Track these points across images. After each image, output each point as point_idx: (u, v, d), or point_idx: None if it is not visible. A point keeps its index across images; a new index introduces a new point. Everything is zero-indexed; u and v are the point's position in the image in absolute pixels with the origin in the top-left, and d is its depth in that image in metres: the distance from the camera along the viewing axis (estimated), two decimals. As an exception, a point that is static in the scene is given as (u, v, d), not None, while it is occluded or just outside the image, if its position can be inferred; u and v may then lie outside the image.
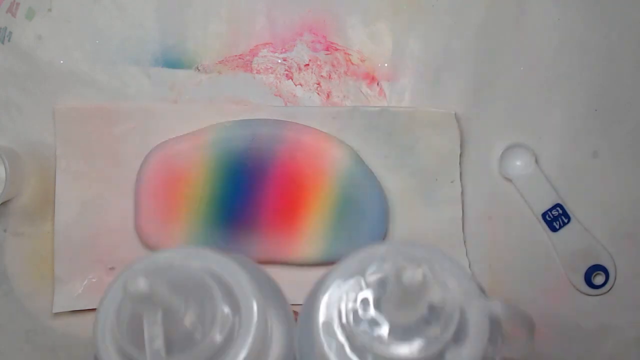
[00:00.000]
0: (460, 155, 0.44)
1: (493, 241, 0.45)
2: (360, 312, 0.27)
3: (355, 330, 0.27)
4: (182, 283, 0.27)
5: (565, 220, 0.44)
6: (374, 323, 0.27)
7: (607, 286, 0.44)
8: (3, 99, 0.44)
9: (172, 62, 0.44)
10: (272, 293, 0.32)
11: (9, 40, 0.43)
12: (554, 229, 0.44)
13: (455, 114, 0.43)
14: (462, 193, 0.44)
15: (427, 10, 0.44)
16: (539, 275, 0.45)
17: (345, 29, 0.44)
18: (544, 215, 0.44)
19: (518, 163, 0.44)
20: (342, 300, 0.27)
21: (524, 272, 0.45)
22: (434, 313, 0.27)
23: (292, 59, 0.44)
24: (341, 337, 0.27)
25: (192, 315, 0.26)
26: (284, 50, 0.44)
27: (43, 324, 0.44)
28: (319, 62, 0.44)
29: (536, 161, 0.44)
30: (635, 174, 0.44)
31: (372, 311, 0.27)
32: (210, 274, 0.27)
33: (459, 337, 0.27)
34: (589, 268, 0.44)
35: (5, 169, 0.41)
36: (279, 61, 0.44)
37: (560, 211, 0.44)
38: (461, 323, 0.27)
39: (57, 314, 0.44)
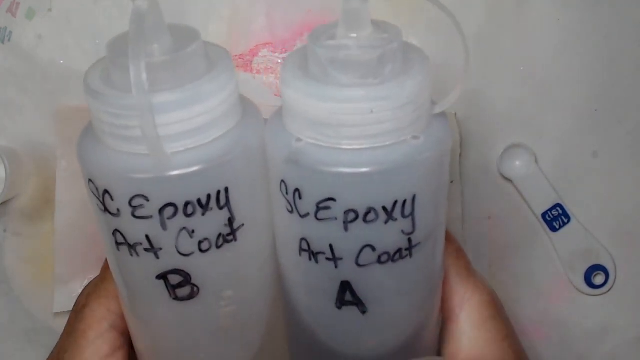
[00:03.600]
0: (460, 155, 0.44)
1: (493, 241, 0.45)
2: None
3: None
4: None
5: (565, 220, 0.44)
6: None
7: (607, 286, 0.44)
8: (3, 99, 0.44)
9: (172, 62, 0.44)
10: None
11: (9, 40, 0.43)
12: (554, 229, 0.44)
13: (456, 114, 0.43)
14: (462, 193, 0.44)
15: (427, 10, 0.44)
16: (539, 275, 0.45)
17: (345, 29, 0.44)
18: (544, 215, 0.44)
19: (518, 163, 0.44)
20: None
21: (524, 272, 0.45)
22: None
23: (292, 59, 0.44)
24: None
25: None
26: (284, 50, 0.44)
27: (43, 324, 0.44)
28: (319, 62, 0.44)
29: (536, 161, 0.44)
30: (635, 174, 0.44)
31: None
32: None
33: (403, 69, 0.29)
34: (589, 268, 0.44)
35: (5, 169, 0.41)
36: (279, 61, 0.44)
37: (560, 211, 0.44)
38: (405, 55, 0.29)
39: (57, 314, 0.44)
